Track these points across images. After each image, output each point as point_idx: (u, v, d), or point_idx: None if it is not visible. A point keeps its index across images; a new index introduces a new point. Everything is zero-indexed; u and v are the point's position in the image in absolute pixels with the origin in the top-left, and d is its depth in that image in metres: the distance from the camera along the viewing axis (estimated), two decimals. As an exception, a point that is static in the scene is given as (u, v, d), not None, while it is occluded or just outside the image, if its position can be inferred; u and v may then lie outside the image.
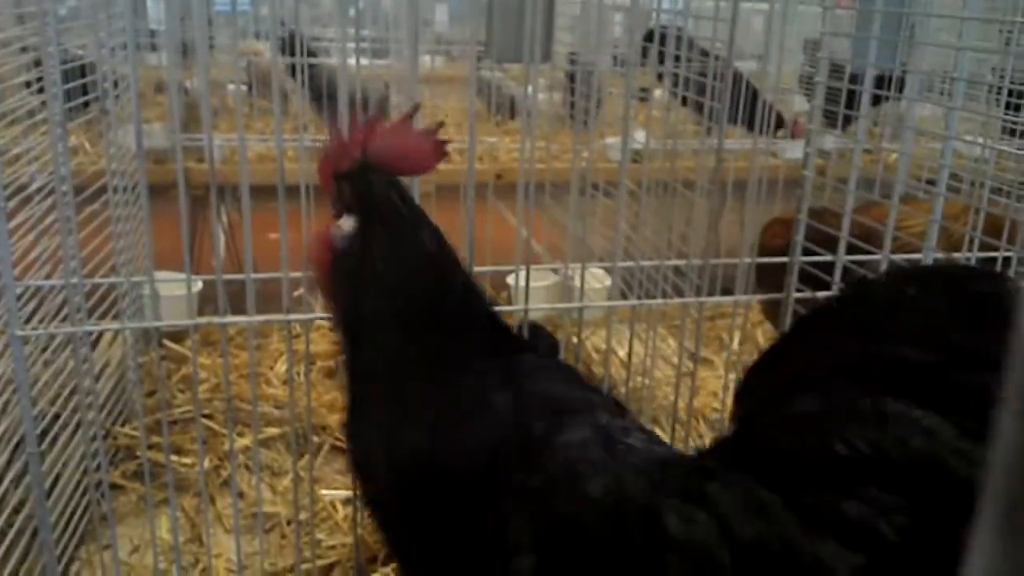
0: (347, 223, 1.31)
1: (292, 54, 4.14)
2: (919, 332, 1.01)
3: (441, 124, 1.41)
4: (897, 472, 0.96)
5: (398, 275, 1.29)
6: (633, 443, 1.19)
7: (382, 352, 1.29)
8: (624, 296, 2.57)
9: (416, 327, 1.29)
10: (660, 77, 2.73)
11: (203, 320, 2.00)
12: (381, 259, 1.28)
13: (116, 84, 2.47)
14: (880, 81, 2.35)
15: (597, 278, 3.16)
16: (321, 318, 1.98)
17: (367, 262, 1.29)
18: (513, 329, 2.18)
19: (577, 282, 2.37)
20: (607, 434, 1.20)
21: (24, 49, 2.35)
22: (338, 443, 2.57)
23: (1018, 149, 2.81)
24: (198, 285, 2.90)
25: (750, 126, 2.77)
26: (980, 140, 2.58)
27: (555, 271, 3.29)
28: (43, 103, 1.94)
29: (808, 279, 2.07)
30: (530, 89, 2.25)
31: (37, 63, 2.23)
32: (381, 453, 1.27)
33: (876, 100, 3.00)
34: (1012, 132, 3.25)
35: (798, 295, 2.00)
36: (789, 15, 2.21)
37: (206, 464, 2.37)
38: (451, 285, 1.32)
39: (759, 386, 1.15)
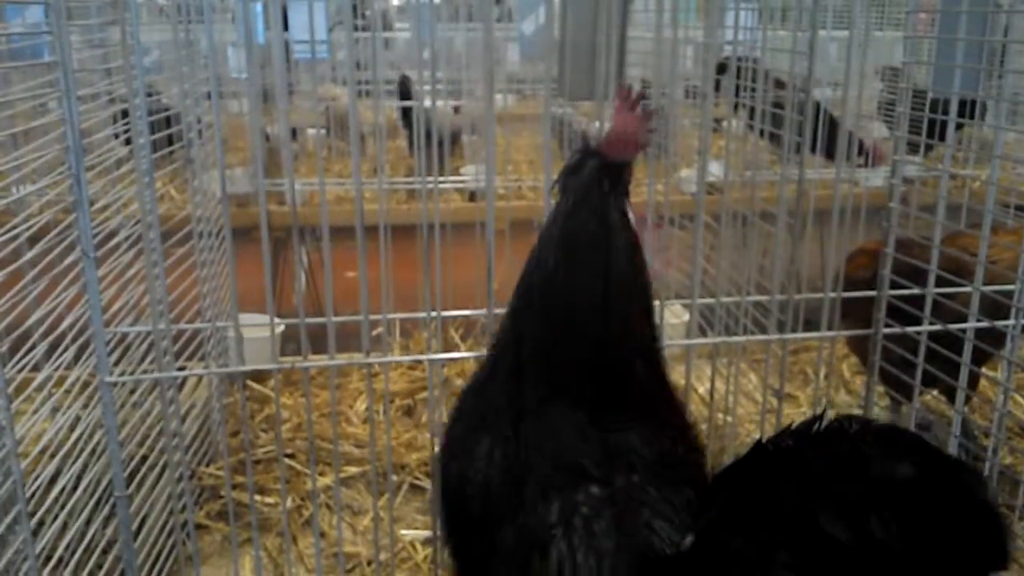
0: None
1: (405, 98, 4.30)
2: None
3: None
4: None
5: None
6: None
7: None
8: (703, 331, 2.52)
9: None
10: (736, 108, 2.69)
11: (286, 363, 2.04)
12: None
13: (200, 133, 2.55)
14: (961, 106, 2.28)
15: (675, 313, 3.11)
16: (399, 360, 1.99)
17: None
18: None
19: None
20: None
21: (112, 101, 2.44)
22: (417, 482, 2.57)
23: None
24: (280, 327, 2.96)
25: (829, 155, 2.72)
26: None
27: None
28: (131, 153, 2.01)
29: (894, 313, 2.00)
30: (602, 125, 2.25)
31: (125, 114, 2.32)
32: None
33: (958, 126, 2.92)
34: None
35: (887, 331, 1.93)
36: (865, 43, 2.17)
37: (288, 504, 2.40)
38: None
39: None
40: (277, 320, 2.04)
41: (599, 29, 2.07)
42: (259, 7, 3.93)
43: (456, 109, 4.51)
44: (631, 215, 1.34)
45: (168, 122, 2.60)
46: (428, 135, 2.30)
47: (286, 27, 4.11)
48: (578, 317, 1.31)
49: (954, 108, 1.85)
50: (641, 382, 1.35)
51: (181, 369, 2.22)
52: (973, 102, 2.70)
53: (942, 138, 3.29)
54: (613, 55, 2.12)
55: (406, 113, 4.49)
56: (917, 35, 1.98)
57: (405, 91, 4.58)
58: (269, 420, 2.88)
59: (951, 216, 2.15)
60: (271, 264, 1.96)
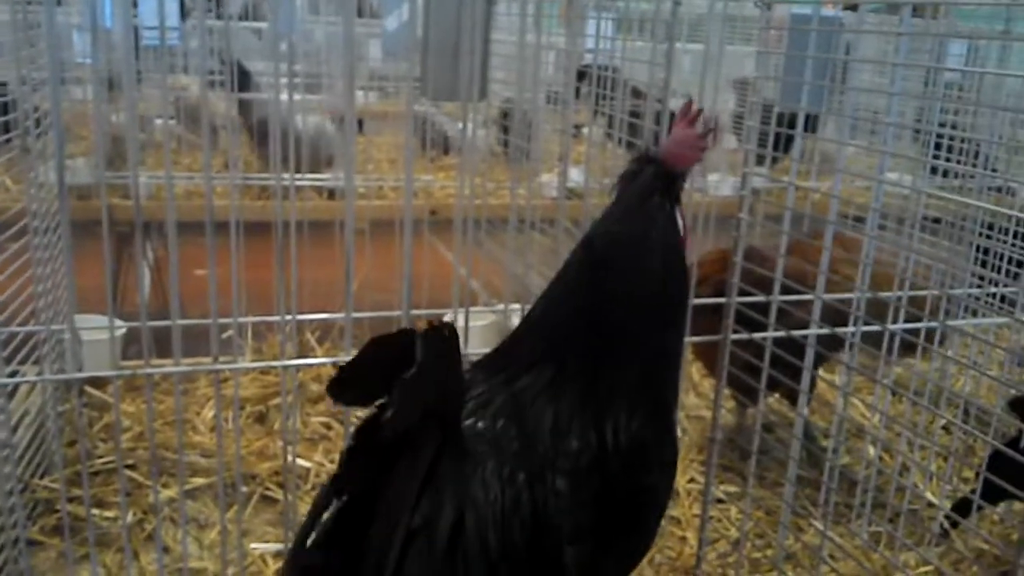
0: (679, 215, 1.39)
1: (238, 88, 4.10)
2: None
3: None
4: None
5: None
6: None
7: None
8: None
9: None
10: (595, 115, 2.74)
11: (127, 368, 1.92)
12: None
13: (39, 121, 2.38)
14: (805, 121, 2.40)
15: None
16: (250, 366, 1.92)
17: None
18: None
19: (514, 321, 2.34)
20: None
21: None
22: (268, 493, 2.49)
23: (940, 188, 2.90)
24: (122, 330, 2.80)
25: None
26: (908, 179, 2.65)
27: (492, 311, 3.26)
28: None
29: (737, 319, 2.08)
30: (466, 126, 2.24)
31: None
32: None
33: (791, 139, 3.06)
34: (934, 171, 3.36)
35: (734, 336, 2.00)
36: (719, 56, 2.25)
37: (129, 518, 2.27)
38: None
39: None
40: (118, 322, 1.93)
41: (462, 30, 2.06)
42: (105, -11, 3.73)
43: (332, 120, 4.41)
44: (681, 223, 1.39)
45: (5, 108, 2.42)
46: (266, 133, 2.22)
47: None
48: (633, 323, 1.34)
49: (800, 122, 1.93)
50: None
51: (13, 375, 2.06)
52: (816, 117, 2.85)
53: (787, 150, 3.46)
54: (477, 57, 2.11)
55: (243, 105, 4.34)
56: (767, 50, 2.06)
57: (244, 82, 4.43)
58: (108, 429, 2.72)
59: (795, 226, 2.25)
60: (112, 261, 1.85)
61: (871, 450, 2.69)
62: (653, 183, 1.36)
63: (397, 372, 1.08)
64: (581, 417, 1.28)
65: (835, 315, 2.00)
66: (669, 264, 1.36)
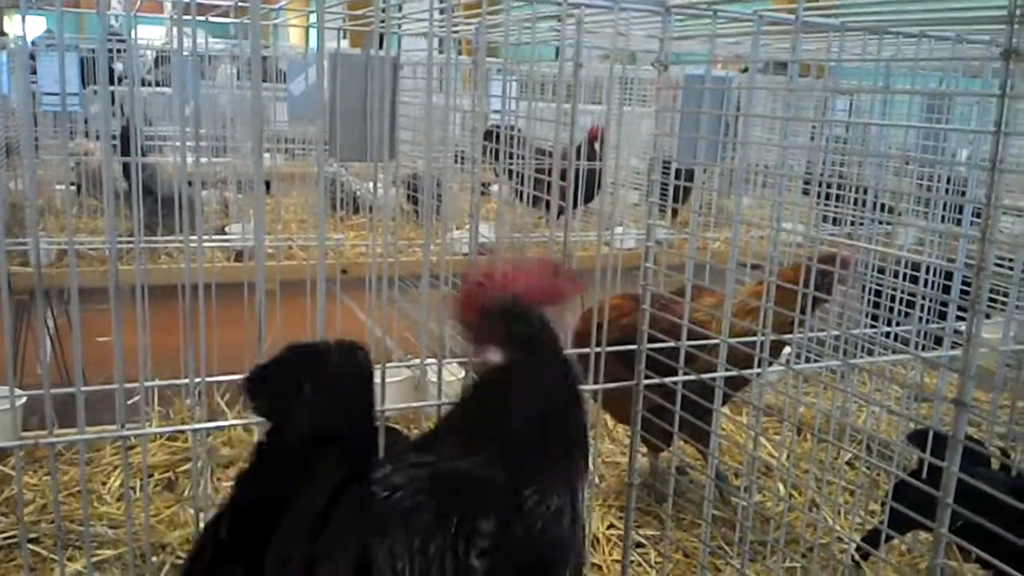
0: (496, 355, 1.41)
1: (126, 152, 4.02)
2: None
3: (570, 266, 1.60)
4: None
5: (544, 402, 1.41)
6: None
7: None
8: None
9: (555, 449, 1.41)
10: (501, 173, 2.81)
11: (28, 439, 1.86)
12: (534, 388, 1.41)
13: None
14: (690, 175, 2.51)
15: (451, 372, 3.14)
16: (158, 432, 1.88)
17: (516, 388, 1.40)
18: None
19: (432, 377, 2.35)
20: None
21: None
22: (179, 561, 2.41)
23: (831, 235, 3.05)
24: (22, 399, 2.71)
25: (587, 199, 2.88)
26: (801, 227, 2.78)
27: (408, 367, 3.26)
28: None
29: (629, 365, 2.15)
30: (376, 186, 2.27)
31: None
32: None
33: (688, 191, 3.18)
34: (825, 219, 3.53)
35: (647, 381, 2.06)
36: (619, 117, 2.34)
37: (32, 595, 2.17)
38: (577, 410, 1.46)
39: None
40: (18, 391, 1.87)
41: (370, 93, 2.10)
42: (3, 56, 3.66)
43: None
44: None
45: None
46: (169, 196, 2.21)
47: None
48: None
49: (699, 176, 2.03)
50: None
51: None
52: (704, 171, 2.97)
53: (683, 200, 3.56)
54: (385, 119, 2.15)
55: (126, 168, 4.28)
56: (664, 109, 2.16)
57: (125, 144, 4.36)
58: (10, 502, 2.60)
59: (696, 275, 2.33)
60: (12, 330, 1.80)
61: (781, 487, 2.77)
62: (544, 330, 1.44)
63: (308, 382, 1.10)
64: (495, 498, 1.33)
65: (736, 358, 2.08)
66: (563, 403, 1.44)
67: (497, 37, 2.60)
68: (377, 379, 2.02)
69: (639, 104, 5.27)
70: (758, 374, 2.06)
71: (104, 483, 2.76)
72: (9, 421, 1.87)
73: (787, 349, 2.59)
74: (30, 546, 2.33)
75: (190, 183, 2.45)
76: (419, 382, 2.72)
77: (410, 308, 3.22)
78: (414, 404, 2.54)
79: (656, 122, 2.14)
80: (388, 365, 2.13)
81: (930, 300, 2.97)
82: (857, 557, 2.30)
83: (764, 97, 4.68)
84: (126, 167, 4.14)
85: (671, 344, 2.02)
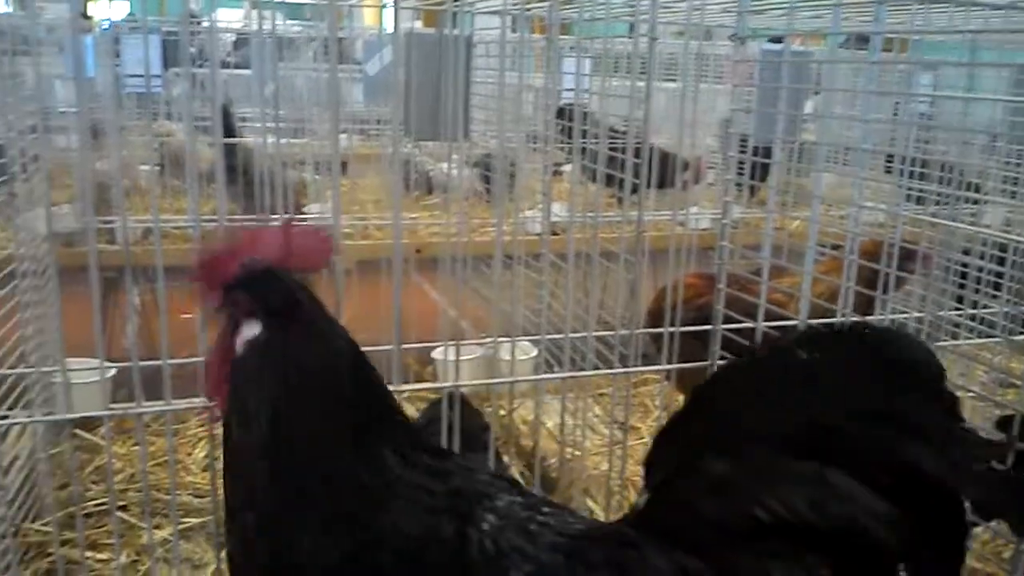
0: (250, 330, 1.26)
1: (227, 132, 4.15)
2: (827, 395, 1.04)
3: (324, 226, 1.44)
4: (818, 535, 0.98)
5: (317, 378, 1.25)
6: (547, 520, 1.18)
7: (300, 457, 1.23)
8: (550, 367, 2.58)
9: (337, 429, 1.24)
10: (576, 152, 2.79)
11: (117, 409, 1.93)
12: (296, 364, 1.24)
13: (24, 167, 2.40)
14: (767, 152, 2.47)
15: (523, 350, 3.16)
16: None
17: (279, 367, 1.24)
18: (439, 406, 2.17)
19: (503, 355, 2.37)
20: (519, 517, 1.18)
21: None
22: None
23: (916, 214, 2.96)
24: (111, 371, 2.80)
25: (660, 185, 2.86)
26: (883, 206, 2.71)
27: (481, 345, 3.29)
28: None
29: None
30: (449, 166, 2.28)
31: (-58, 147, 2.17)
32: (305, 555, 1.19)
33: (765, 170, 3.11)
34: (907, 198, 3.43)
35: (721, 363, 2.03)
36: (695, 94, 2.30)
37: (123, 559, 2.26)
38: (367, 383, 1.30)
39: (669, 453, 1.16)
40: (107, 364, 1.94)
41: (444, 72, 2.11)
42: (89, 40, 3.77)
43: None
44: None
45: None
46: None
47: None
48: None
49: (776, 152, 1.99)
50: None
51: (3, 418, 2.07)
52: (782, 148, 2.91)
53: (762, 179, 3.49)
54: (458, 98, 2.16)
55: (229, 150, 4.37)
56: (743, 84, 2.12)
57: (228, 122, 4.46)
58: (100, 471, 2.71)
59: (773, 255, 2.29)
60: (100, 306, 1.86)
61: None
62: (296, 295, 1.28)
63: None
64: None
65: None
66: (342, 376, 1.27)
67: (571, 14, 2.58)
68: (451, 357, 2.05)
69: (714, 81, 5.17)
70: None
71: (189, 454, 2.86)
72: (99, 393, 1.94)
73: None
74: (119, 514, 2.43)
75: (283, 164, 2.50)
76: (491, 360, 2.74)
77: (482, 287, 3.24)
78: (487, 381, 2.56)
79: (733, 98, 2.11)
80: (461, 343, 2.15)
81: (1017, 282, 2.87)
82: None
83: (845, 72, 4.56)
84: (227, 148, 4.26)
85: (749, 324, 2.00)
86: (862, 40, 3.97)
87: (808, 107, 2.49)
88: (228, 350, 1.27)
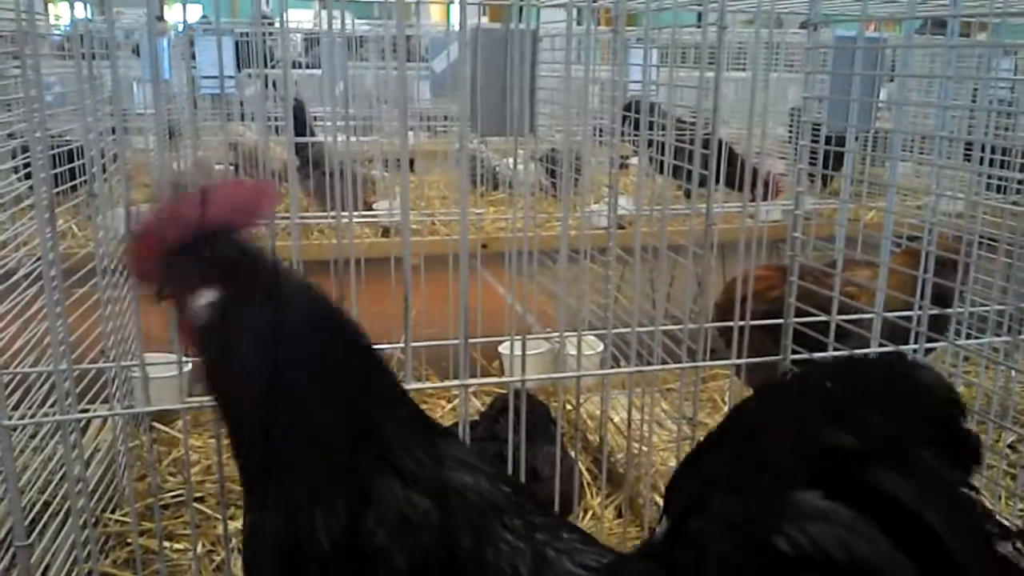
0: (206, 296, 1.14)
1: (299, 131, 4.23)
2: (845, 425, 1.02)
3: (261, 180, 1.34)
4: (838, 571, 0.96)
5: (292, 341, 1.13)
6: (564, 547, 1.15)
7: (279, 437, 1.14)
8: (616, 361, 2.56)
9: (321, 403, 1.14)
10: (644, 144, 2.76)
11: (194, 403, 1.98)
12: (265, 326, 1.12)
13: (104, 168, 2.48)
14: (840, 141, 2.40)
15: (589, 344, 3.15)
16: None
17: (244, 333, 1.13)
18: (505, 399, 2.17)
19: (569, 350, 2.36)
20: (536, 543, 1.14)
21: (11, 135, 2.36)
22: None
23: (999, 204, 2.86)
24: (188, 366, 2.88)
25: (729, 184, 2.82)
26: (961, 196, 2.62)
27: (547, 339, 3.28)
28: (31, 188, 1.95)
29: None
30: (515, 161, 2.28)
31: (25, 149, 2.24)
32: (271, 555, 1.13)
33: (839, 159, 3.04)
34: (987, 186, 3.31)
35: (794, 357, 2.00)
36: (765, 84, 2.26)
37: (199, 549, 2.32)
38: (358, 350, 1.21)
39: (688, 484, 1.15)
40: (185, 359, 1.99)
41: (510, 67, 2.11)
42: (165, 43, 3.87)
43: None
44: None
45: (71, 157, 2.53)
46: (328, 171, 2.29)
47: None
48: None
49: (850, 141, 1.94)
50: None
51: (84, 411, 2.14)
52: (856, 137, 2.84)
53: (836, 169, 3.42)
54: (524, 92, 2.15)
55: (300, 148, 4.45)
56: (814, 71, 2.07)
57: (299, 118, 4.54)
58: (177, 463, 2.79)
59: (847, 246, 2.24)
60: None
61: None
62: (249, 252, 1.17)
63: None
64: None
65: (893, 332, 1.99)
66: (323, 340, 1.18)
67: (637, 5, 2.55)
68: (517, 351, 2.05)
69: (785, 70, 5.07)
70: (914, 351, 1.97)
71: (262, 447, 2.91)
72: (176, 386, 1.99)
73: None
74: (195, 505, 2.49)
75: (351, 161, 2.54)
76: (558, 355, 2.73)
77: (548, 282, 3.24)
78: (553, 376, 2.56)
79: (805, 85, 2.06)
80: (527, 338, 2.15)
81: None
82: (1020, 546, 2.17)
83: (920, 58, 4.43)
84: (297, 145, 4.34)
85: (823, 318, 1.95)
86: (939, 24, 3.85)
87: (883, 94, 2.43)
88: (186, 323, 1.17)
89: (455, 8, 1.87)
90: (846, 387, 1.06)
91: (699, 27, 2.08)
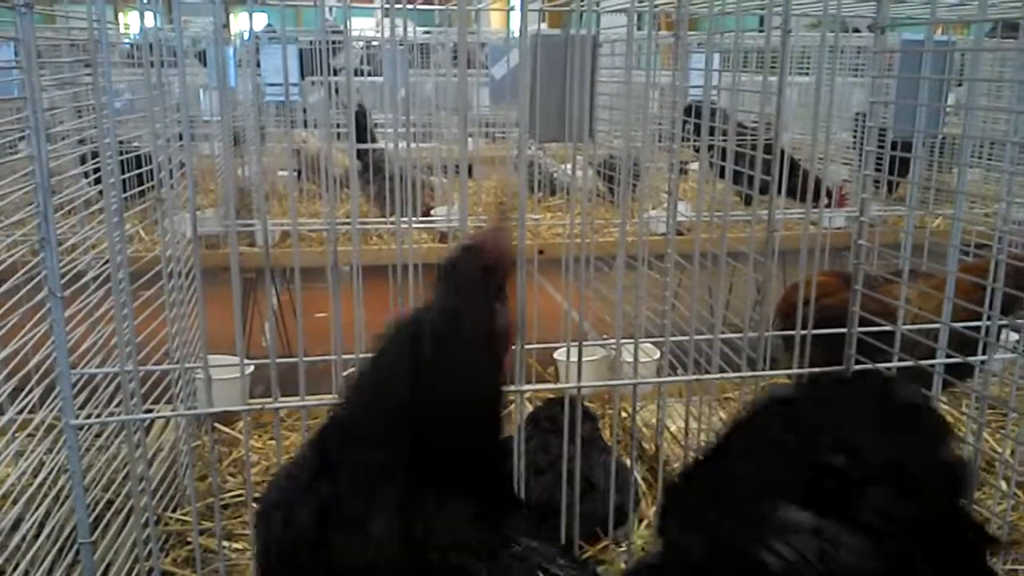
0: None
1: (361, 137, 4.29)
2: (835, 444, 1.00)
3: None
4: None
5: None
6: None
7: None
8: (673, 369, 2.54)
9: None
10: (704, 150, 2.73)
11: (255, 405, 2.01)
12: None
13: (171, 173, 2.54)
14: (907, 146, 2.34)
15: (645, 351, 3.12)
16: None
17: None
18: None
19: (625, 357, 2.34)
20: None
21: (82, 141, 2.43)
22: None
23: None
24: (249, 368, 2.93)
25: (791, 195, 2.77)
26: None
27: (603, 346, 3.26)
28: (100, 193, 2.00)
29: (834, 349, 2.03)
30: (573, 167, 2.27)
31: (95, 154, 2.31)
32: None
33: (905, 165, 2.98)
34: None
35: (858, 367, 1.95)
36: (829, 88, 2.21)
37: (258, 549, 2.35)
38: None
39: (681, 504, 1.13)
40: (246, 361, 2.02)
41: (570, 73, 2.10)
42: (231, 51, 3.95)
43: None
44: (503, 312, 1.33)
45: (139, 163, 2.59)
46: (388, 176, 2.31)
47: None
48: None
49: (917, 146, 1.89)
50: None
51: (148, 411, 2.19)
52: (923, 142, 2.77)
53: (902, 175, 3.34)
54: (584, 99, 2.15)
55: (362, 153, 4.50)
56: (881, 75, 2.03)
57: (361, 124, 4.59)
58: (238, 463, 2.84)
59: (912, 254, 2.18)
60: (241, 305, 1.95)
61: (1004, 484, 2.56)
62: (475, 274, 1.30)
63: None
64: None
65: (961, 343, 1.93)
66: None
67: (700, 9, 2.53)
68: (573, 358, 2.04)
69: (850, 74, 4.98)
70: (983, 362, 1.91)
71: (321, 449, 2.94)
72: (238, 389, 2.03)
73: (1014, 335, 2.39)
74: (255, 505, 2.53)
75: (412, 167, 2.56)
76: (614, 362, 2.71)
77: (605, 288, 3.22)
78: (609, 383, 2.54)
79: (872, 90, 2.02)
80: (583, 344, 2.14)
81: None
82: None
83: (990, 61, 4.31)
84: (359, 151, 4.40)
85: (886, 327, 1.91)
86: (1009, 27, 3.74)
87: (950, 99, 2.37)
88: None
89: (515, 15, 1.88)
90: (836, 407, 1.05)
91: (762, 31, 2.05)
